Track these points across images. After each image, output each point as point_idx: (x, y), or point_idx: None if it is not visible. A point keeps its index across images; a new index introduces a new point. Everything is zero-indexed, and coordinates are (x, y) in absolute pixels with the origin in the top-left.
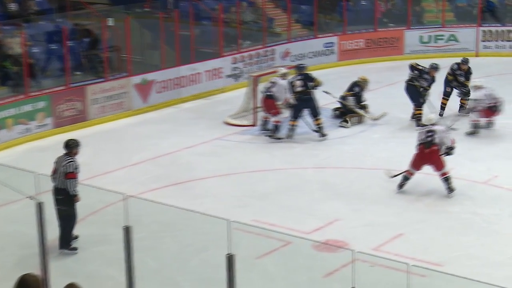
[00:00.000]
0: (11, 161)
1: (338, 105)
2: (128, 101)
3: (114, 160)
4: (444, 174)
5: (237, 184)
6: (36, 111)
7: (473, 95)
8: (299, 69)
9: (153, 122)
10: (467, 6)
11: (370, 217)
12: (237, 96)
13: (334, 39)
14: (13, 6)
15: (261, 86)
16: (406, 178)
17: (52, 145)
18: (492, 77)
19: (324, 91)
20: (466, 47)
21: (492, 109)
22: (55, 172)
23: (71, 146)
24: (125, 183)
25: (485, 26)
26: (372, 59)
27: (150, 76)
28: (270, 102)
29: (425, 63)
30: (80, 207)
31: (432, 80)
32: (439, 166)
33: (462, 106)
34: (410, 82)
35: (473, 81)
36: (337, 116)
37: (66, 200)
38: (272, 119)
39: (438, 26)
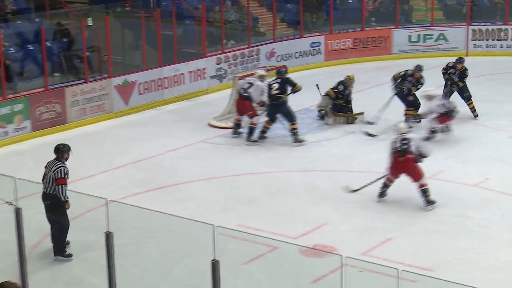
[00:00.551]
0: None
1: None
2: (109, 103)
3: (95, 164)
4: (421, 186)
5: (222, 188)
6: (14, 114)
7: (425, 105)
8: (279, 73)
9: (135, 124)
10: (456, 5)
11: (359, 221)
12: (222, 98)
13: (321, 38)
14: None
15: (237, 86)
16: (385, 186)
17: (30, 149)
18: (483, 77)
19: (317, 86)
20: (455, 47)
21: (447, 115)
22: (44, 177)
23: (62, 151)
24: (106, 187)
25: (475, 25)
26: (359, 59)
27: (131, 77)
28: (246, 104)
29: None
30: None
31: (418, 81)
32: (416, 176)
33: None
34: (396, 90)
35: (424, 90)
36: (322, 116)
37: (56, 206)
38: (249, 121)
39: (427, 25)
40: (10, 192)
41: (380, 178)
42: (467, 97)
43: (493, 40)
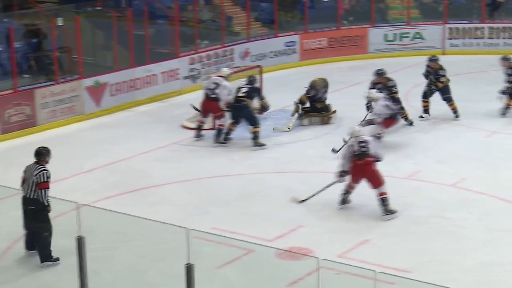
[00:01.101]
0: None
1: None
2: (80, 105)
3: (66, 167)
4: (381, 194)
5: (196, 191)
6: None
7: (374, 106)
8: (251, 81)
9: (106, 126)
10: (432, 3)
11: (335, 223)
12: (195, 99)
13: (296, 38)
14: None
15: (203, 87)
16: (347, 192)
17: None
18: (459, 76)
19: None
20: (432, 45)
21: (391, 118)
22: (24, 181)
23: (43, 154)
24: (77, 191)
25: (452, 23)
26: (335, 59)
27: (102, 78)
28: (214, 105)
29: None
30: None
31: (384, 86)
32: (375, 182)
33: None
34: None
35: (369, 92)
36: (296, 111)
37: (38, 211)
38: (216, 123)
39: (403, 23)
40: None
41: (329, 186)
42: (447, 99)
43: (469, 38)
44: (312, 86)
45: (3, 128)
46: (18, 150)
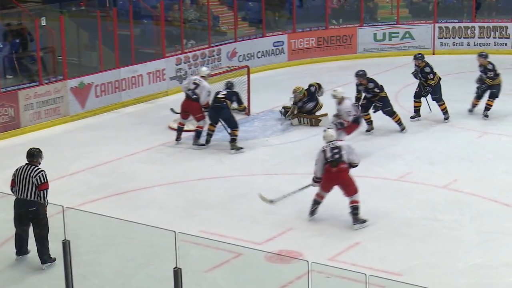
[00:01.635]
0: None
1: (287, 105)
2: (65, 106)
3: (51, 169)
4: (353, 202)
5: (183, 193)
6: None
7: (338, 108)
8: (229, 86)
9: (91, 128)
10: (422, 2)
11: (325, 225)
12: (182, 99)
13: (284, 37)
14: None
15: (182, 87)
16: (316, 202)
17: None
18: (449, 76)
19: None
20: (422, 45)
21: (354, 123)
22: (14, 184)
23: (36, 155)
24: (62, 194)
25: (442, 23)
26: (324, 59)
27: (87, 79)
28: (195, 106)
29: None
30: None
31: (366, 87)
32: (350, 189)
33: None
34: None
35: (334, 89)
36: (286, 113)
37: (38, 213)
38: (195, 124)
39: (393, 23)
40: None
41: (303, 188)
42: (436, 99)
43: (459, 38)
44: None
45: None
46: (2, 152)
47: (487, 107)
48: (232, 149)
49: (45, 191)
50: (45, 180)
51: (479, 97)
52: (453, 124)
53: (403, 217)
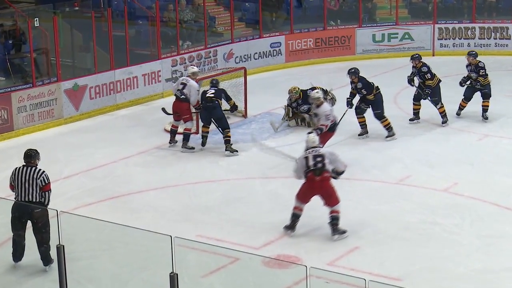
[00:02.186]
0: None
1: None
2: (58, 108)
3: None
4: (334, 211)
5: (179, 197)
6: None
7: (317, 111)
8: (214, 83)
9: (86, 131)
10: (421, 2)
11: (324, 230)
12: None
13: (281, 38)
14: None
15: (173, 88)
16: (295, 216)
17: None
18: (449, 77)
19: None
20: (421, 46)
21: (330, 131)
22: (14, 187)
23: (33, 156)
24: (56, 198)
25: (442, 23)
26: (322, 60)
27: (82, 81)
28: (183, 106)
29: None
30: (8, 225)
31: (356, 86)
32: (331, 199)
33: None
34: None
35: (313, 92)
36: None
37: (43, 215)
38: (183, 126)
39: (392, 23)
40: None
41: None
42: (435, 102)
43: (460, 39)
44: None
45: None
46: None
47: (485, 109)
48: (227, 150)
49: (49, 192)
50: (49, 181)
51: (468, 98)
52: (453, 127)
53: (403, 221)
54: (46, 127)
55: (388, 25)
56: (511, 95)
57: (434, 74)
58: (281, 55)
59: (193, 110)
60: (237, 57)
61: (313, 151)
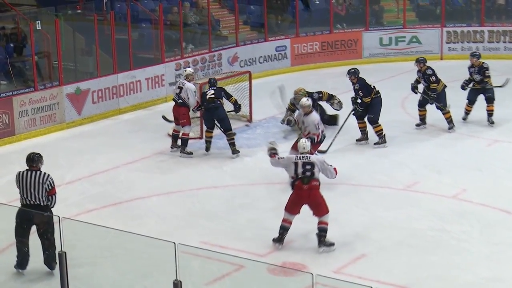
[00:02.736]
0: None
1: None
2: (60, 113)
3: None
4: (322, 222)
5: (183, 203)
6: None
7: (305, 119)
8: (212, 82)
9: (88, 135)
10: (429, 5)
11: (330, 236)
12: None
13: (287, 42)
14: None
15: (172, 92)
16: (283, 228)
17: None
18: (458, 82)
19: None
20: (429, 50)
21: (320, 141)
22: (26, 190)
23: (37, 160)
24: (58, 203)
25: (450, 27)
26: (328, 64)
27: (84, 85)
28: (181, 111)
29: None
30: (10, 232)
31: (354, 88)
32: (321, 209)
33: (423, 119)
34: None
35: (304, 99)
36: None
37: (49, 218)
38: (181, 131)
39: (399, 27)
40: None
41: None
42: (441, 107)
43: (468, 42)
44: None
45: None
46: None
47: (490, 113)
48: (234, 153)
49: (55, 195)
50: (54, 185)
51: (472, 102)
52: (461, 132)
53: (410, 228)
54: (48, 132)
55: (396, 28)
56: None
57: (439, 79)
58: (287, 58)
59: (195, 114)
60: (242, 60)
61: (303, 157)
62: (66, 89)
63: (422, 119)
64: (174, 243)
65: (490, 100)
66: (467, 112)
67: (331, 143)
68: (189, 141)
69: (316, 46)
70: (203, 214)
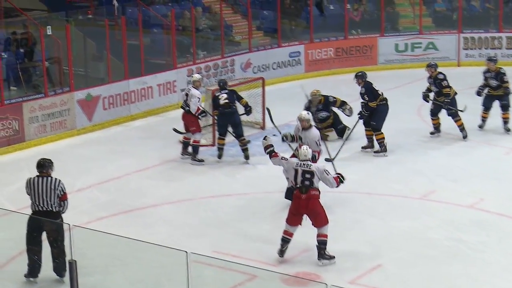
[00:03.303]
0: None
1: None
2: (71, 119)
3: None
4: (322, 235)
5: (195, 211)
6: None
7: (304, 135)
8: (223, 83)
9: (99, 142)
10: (446, 11)
11: (345, 246)
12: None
13: (301, 48)
14: None
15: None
16: (283, 241)
17: None
18: (475, 89)
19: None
20: (446, 56)
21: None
22: (38, 197)
23: (47, 166)
24: (68, 211)
25: (467, 33)
26: (343, 70)
27: (95, 91)
28: (188, 118)
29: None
30: (20, 240)
31: (362, 91)
32: (319, 220)
33: (437, 128)
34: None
35: (304, 113)
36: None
37: (60, 225)
38: (191, 139)
39: (415, 33)
40: None
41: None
42: (452, 114)
43: (486, 48)
44: (309, 100)
45: None
46: (5, 167)
47: (505, 121)
48: (246, 158)
49: (66, 201)
50: (65, 191)
51: (487, 108)
52: (478, 140)
53: (426, 238)
54: (58, 138)
55: (412, 34)
56: None
57: (450, 86)
58: (301, 64)
59: (207, 122)
60: (255, 67)
61: (304, 165)
62: (76, 95)
63: (436, 128)
64: (186, 252)
65: (505, 107)
66: (484, 119)
67: (338, 150)
68: (201, 148)
69: (331, 52)
70: (215, 223)
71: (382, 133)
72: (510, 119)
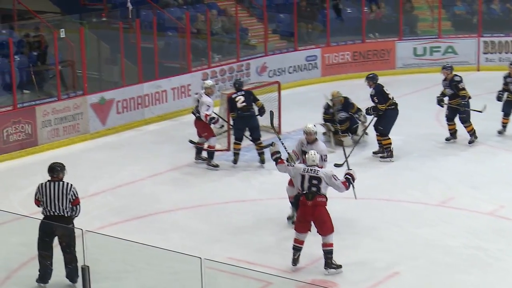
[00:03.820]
0: None
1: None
2: (84, 123)
3: None
4: (327, 244)
5: (209, 217)
6: None
7: (311, 148)
8: (239, 84)
9: (112, 147)
10: (466, 14)
11: (361, 253)
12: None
13: (317, 51)
14: None
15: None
16: (294, 249)
17: None
18: (495, 94)
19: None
20: (465, 60)
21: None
22: (39, 203)
23: (58, 170)
24: (81, 216)
25: (487, 36)
26: (360, 74)
27: (108, 94)
28: (199, 125)
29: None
30: (32, 245)
31: (372, 93)
32: (325, 228)
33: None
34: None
35: (311, 125)
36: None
37: (66, 232)
38: (205, 144)
39: (434, 36)
40: None
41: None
42: (463, 119)
43: (506, 53)
44: (329, 102)
45: (1, 148)
46: (18, 171)
47: None
48: (262, 162)
49: (78, 206)
50: (78, 195)
51: (507, 114)
52: (498, 146)
53: (445, 245)
54: (71, 142)
55: (430, 38)
56: None
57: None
58: (317, 68)
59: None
60: (271, 70)
61: (311, 170)
62: (90, 99)
63: (452, 134)
64: (200, 258)
65: None
66: (504, 125)
67: (348, 155)
68: (216, 153)
69: (348, 56)
70: (229, 229)
71: (389, 138)
72: None
